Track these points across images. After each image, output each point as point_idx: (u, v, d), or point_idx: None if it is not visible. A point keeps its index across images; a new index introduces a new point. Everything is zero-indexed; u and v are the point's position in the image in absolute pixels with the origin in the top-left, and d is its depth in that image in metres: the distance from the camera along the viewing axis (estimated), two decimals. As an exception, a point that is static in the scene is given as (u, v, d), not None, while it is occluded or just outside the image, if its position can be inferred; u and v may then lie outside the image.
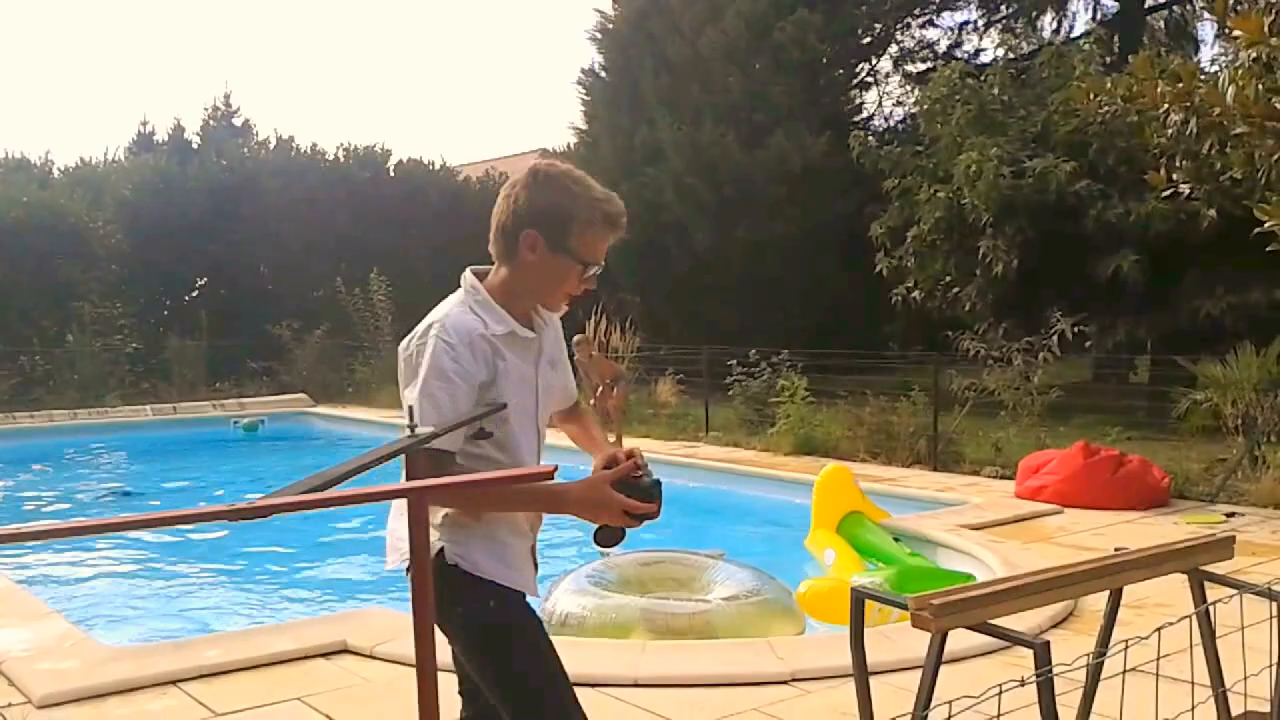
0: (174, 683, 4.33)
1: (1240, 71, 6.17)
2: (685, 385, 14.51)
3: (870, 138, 15.81)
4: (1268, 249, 6.34)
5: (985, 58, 20.04)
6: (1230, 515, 7.83)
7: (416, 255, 19.43)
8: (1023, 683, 1.76)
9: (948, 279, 13.63)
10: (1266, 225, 6.04)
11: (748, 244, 17.38)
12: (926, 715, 2.53)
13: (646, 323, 15.10)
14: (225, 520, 1.42)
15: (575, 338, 12.73)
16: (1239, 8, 6.64)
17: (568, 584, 5.80)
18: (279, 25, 61.85)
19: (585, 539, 8.39)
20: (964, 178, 12.53)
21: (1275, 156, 6.15)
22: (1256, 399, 9.08)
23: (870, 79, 21.75)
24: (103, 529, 1.51)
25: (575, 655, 4.64)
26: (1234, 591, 2.24)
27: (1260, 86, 5.99)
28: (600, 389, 12.20)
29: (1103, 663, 2.54)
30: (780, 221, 17.23)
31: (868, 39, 21.18)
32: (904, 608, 2.64)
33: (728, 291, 17.71)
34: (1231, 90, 6.09)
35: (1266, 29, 5.95)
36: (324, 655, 4.67)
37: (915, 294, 14.11)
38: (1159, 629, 1.93)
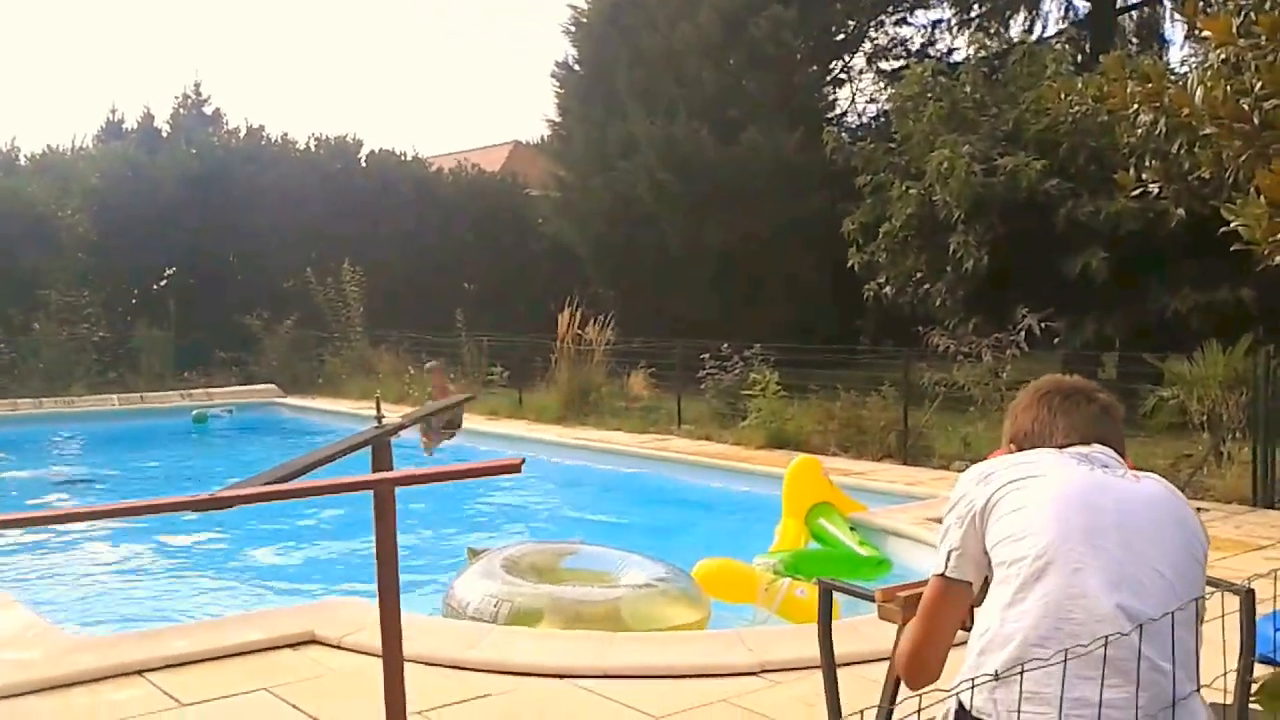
0: (139, 673, 4.30)
1: (1209, 73, 6.20)
2: (658, 379, 14.52)
3: (843, 134, 15.91)
4: (1232, 248, 6.40)
5: (958, 56, 20.11)
6: (1196, 510, 7.92)
7: (388, 246, 19.37)
8: (997, 676, 1.77)
9: (919, 275, 13.70)
10: (1232, 224, 6.08)
11: (721, 238, 17.40)
12: (892, 709, 2.55)
13: (620, 316, 15.08)
14: (190, 511, 1.41)
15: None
16: (1208, 9, 6.68)
17: (475, 571, 5.79)
18: (251, 13, 61.36)
19: (466, 530, 8.32)
20: (936, 175, 12.59)
21: (1243, 157, 6.19)
22: (1222, 396, 9.18)
23: (844, 75, 21.82)
24: (67, 519, 1.50)
25: (542, 646, 4.67)
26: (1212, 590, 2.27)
27: (1228, 88, 6.01)
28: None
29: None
30: (753, 216, 17.26)
31: (842, 36, 21.24)
32: (871, 599, 2.66)
33: (701, 285, 17.73)
34: (1200, 91, 6.11)
35: (1235, 30, 5.99)
36: (291, 646, 4.65)
37: (887, 289, 14.17)
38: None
